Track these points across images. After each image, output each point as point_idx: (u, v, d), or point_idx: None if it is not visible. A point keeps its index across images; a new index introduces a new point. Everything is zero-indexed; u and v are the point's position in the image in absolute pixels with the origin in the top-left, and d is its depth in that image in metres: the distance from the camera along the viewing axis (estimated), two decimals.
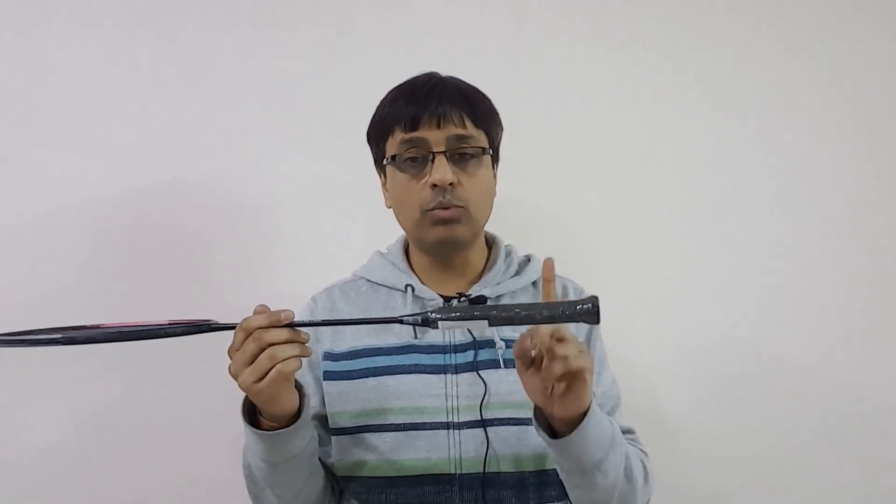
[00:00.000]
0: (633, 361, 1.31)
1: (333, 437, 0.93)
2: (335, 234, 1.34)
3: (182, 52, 1.35)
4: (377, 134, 0.95)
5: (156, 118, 1.33)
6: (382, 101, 0.95)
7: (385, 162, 0.93)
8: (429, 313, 0.71)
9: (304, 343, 0.74)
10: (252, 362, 0.71)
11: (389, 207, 0.97)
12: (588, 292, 1.02)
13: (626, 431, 0.97)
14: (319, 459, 0.91)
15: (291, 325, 0.73)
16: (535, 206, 1.38)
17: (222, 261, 1.33)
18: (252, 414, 0.79)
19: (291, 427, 0.78)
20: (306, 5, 1.39)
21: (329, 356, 0.94)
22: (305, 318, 0.98)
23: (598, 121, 1.41)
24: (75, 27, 1.32)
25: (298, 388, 0.80)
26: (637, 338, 1.34)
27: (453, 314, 0.71)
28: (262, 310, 0.74)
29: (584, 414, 0.75)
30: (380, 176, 0.99)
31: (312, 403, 0.92)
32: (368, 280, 1.00)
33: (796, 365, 1.37)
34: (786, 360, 1.37)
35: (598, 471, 0.78)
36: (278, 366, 0.71)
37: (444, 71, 0.97)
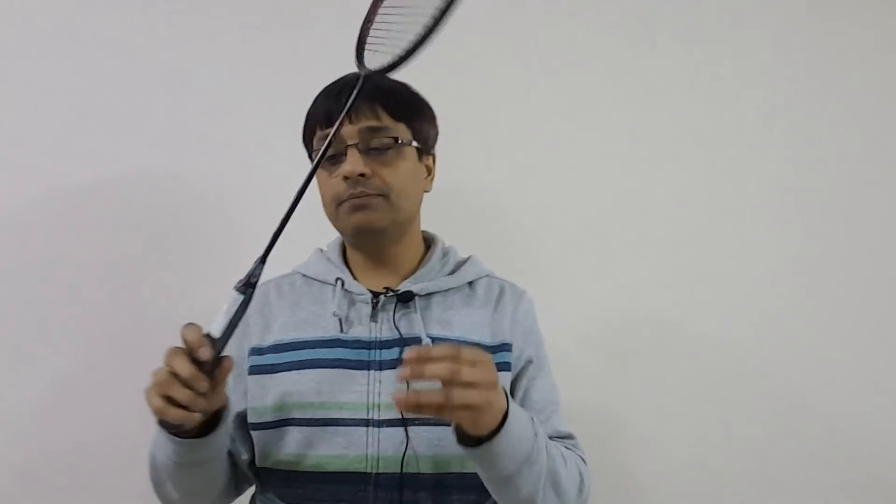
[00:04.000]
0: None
1: (253, 433, 0.91)
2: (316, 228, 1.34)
3: (169, 44, 1.36)
4: (304, 136, 0.96)
5: (150, 110, 1.35)
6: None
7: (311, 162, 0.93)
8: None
9: (199, 392, 0.68)
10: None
11: None
12: (529, 290, 1.00)
13: (564, 437, 0.95)
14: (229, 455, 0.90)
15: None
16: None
17: (199, 251, 1.34)
18: None
19: (205, 438, 0.76)
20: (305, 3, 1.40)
21: (255, 351, 0.93)
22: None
23: (585, 117, 1.42)
24: (70, 19, 1.33)
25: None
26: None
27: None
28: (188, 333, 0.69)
29: (502, 421, 0.72)
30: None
31: (232, 399, 0.90)
32: (304, 275, 0.99)
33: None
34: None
35: (510, 484, 0.77)
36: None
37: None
